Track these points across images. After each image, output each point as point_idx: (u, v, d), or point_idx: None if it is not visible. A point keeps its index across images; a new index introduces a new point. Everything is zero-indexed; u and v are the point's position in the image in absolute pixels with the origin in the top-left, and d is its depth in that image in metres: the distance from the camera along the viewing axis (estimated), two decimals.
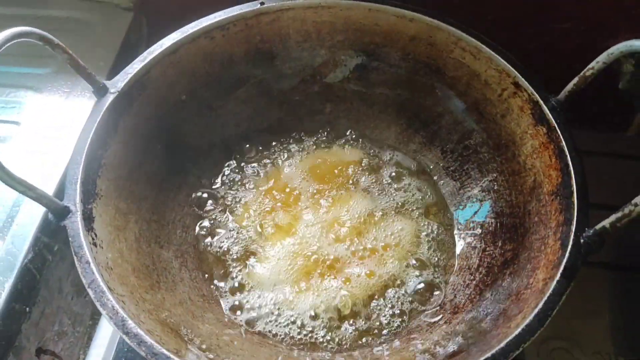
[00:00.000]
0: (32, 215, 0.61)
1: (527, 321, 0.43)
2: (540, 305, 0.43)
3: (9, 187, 0.43)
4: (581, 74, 0.51)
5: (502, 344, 0.41)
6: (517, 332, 0.42)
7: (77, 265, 0.45)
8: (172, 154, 0.62)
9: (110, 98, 0.54)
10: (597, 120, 0.78)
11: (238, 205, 0.64)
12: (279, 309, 0.56)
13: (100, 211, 0.50)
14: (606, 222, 0.44)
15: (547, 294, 0.44)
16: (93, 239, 0.47)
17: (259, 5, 0.61)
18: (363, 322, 0.56)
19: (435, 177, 0.66)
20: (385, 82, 0.66)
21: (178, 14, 0.63)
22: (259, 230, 0.61)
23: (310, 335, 0.55)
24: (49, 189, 0.61)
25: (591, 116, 0.75)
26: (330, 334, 0.55)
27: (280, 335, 0.55)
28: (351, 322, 0.56)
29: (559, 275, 0.44)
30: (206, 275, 0.59)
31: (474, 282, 0.55)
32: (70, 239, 0.46)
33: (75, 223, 0.47)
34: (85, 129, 0.52)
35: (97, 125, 0.52)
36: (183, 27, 0.60)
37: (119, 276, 0.48)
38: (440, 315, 0.54)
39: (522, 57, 0.58)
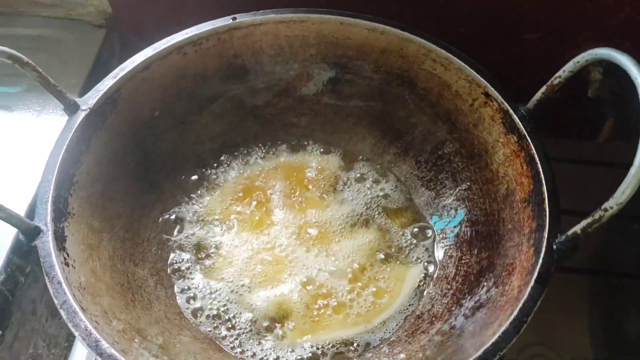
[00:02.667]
0: (2, 236, 0.60)
1: (503, 328, 0.43)
2: (515, 312, 0.43)
3: None
4: (548, 82, 0.52)
5: (479, 352, 0.42)
6: (493, 339, 0.42)
7: (48, 286, 0.44)
8: (146, 170, 0.61)
9: (81, 115, 0.54)
10: (568, 128, 0.79)
11: (214, 221, 0.63)
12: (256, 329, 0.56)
13: (72, 230, 0.50)
14: (577, 228, 0.44)
15: (522, 301, 0.44)
16: (65, 258, 0.47)
17: (231, 20, 0.62)
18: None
19: (410, 187, 0.66)
20: (358, 94, 0.66)
21: (151, 31, 0.63)
22: (237, 245, 0.61)
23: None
24: (21, 209, 0.60)
25: (562, 124, 0.76)
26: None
27: (258, 355, 0.54)
28: None
29: (532, 281, 0.45)
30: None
31: (451, 291, 0.55)
32: (41, 259, 0.45)
33: (47, 243, 0.46)
34: (56, 147, 0.52)
35: (69, 143, 0.52)
36: (155, 43, 0.60)
37: (92, 296, 0.47)
38: (419, 326, 0.54)
39: (493, 68, 0.59)
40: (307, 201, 0.65)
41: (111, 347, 0.41)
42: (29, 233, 0.46)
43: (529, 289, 0.44)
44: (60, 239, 0.47)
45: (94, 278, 0.49)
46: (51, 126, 0.69)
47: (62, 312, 0.43)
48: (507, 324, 0.43)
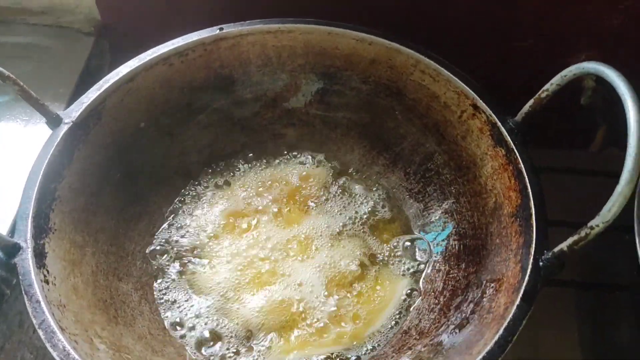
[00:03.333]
0: None
1: (487, 348, 0.42)
2: (500, 331, 0.43)
3: None
4: (536, 95, 0.52)
5: None
6: (478, 359, 0.42)
7: (27, 305, 0.43)
8: (132, 183, 0.61)
9: (64, 129, 0.53)
10: (560, 137, 0.79)
11: (200, 233, 0.63)
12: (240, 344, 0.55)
13: (53, 246, 0.49)
14: (564, 245, 0.44)
15: (508, 319, 0.43)
16: (45, 276, 0.46)
17: (218, 30, 0.61)
18: None
19: (398, 199, 0.65)
20: (347, 105, 0.66)
21: (141, 39, 0.62)
22: (222, 258, 0.60)
23: None
24: (5, 224, 0.59)
25: (554, 132, 0.76)
26: None
27: None
28: None
29: (519, 299, 0.44)
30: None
31: (439, 306, 0.55)
32: (20, 277, 0.45)
33: (26, 260, 0.45)
34: (37, 162, 0.51)
35: (50, 158, 0.51)
36: (141, 54, 0.60)
37: (72, 313, 0.46)
38: (406, 341, 0.54)
39: (483, 76, 0.58)
40: (295, 212, 0.64)
41: None
42: (8, 250, 0.46)
43: (514, 307, 0.44)
44: (40, 256, 0.47)
45: (75, 295, 0.48)
46: (38, 137, 0.68)
47: (40, 332, 0.42)
48: (492, 343, 0.42)
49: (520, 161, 0.51)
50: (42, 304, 0.43)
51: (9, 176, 0.64)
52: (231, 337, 0.55)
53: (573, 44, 0.72)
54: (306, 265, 0.60)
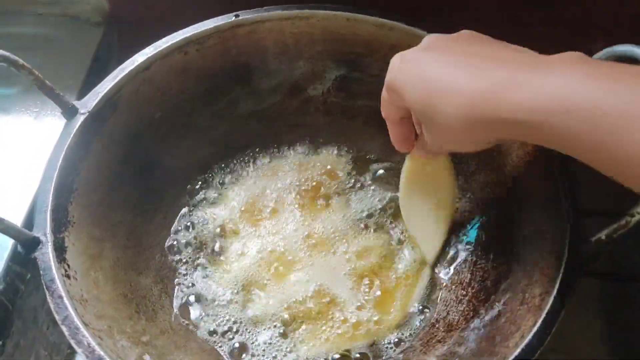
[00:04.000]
0: (1, 244, 0.58)
1: (526, 340, 0.41)
2: (539, 323, 0.41)
3: None
4: None
5: None
6: (516, 352, 0.41)
7: (49, 301, 0.42)
8: (148, 175, 0.59)
9: (80, 119, 0.52)
10: None
11: (218, 225, 0.61)
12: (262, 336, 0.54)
13: (72, 240, 0.48)
14: (602, 234, 0.42)
15: (545, 311, 0.42)
16: (66, 270, 0.45)
17: (234, 17, 0.59)
18: None
19: None
20: (367, 93, 0.64)
21: (150, 29, 0.60)
22: (242, 250, 0.59)
23: None
24: (19, 217, 0.58)
25: None
26: None
27: None
28: None
29: (555, 290, 0.43)
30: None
31: (467, 297, 0.53)
32: (41, 272, 0.43)
33: (46, 255, 0.44)
34: (54, 154, 0.50)
35: (67, 149, 0.50)
36: (156, 42, 0.58)
37: (95, 309, 0.45)
38: (435, 334, 0.52)
39: None
40: (314, 204, 0.63)
41: None
42: (27, 244, 0.44)
43: (551, 298, 0.43)
44: (60, 250, 0.45)
45: (96, 290, 0.47)
46: (50, 129, 0.67)
47: (64, 329, 0.41)
48: (530, 335, 0.41)
49: None
50: (65, 299, 0.42)
51: (21, 169, 0.63)
52: (251, 329, 0.54)
53: (590, 32, 0.70)
54: (329, 257, 0.58)
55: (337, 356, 0.53)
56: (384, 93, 0.45)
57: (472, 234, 0.58)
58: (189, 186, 0.64)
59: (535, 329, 0.41)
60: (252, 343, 0.54)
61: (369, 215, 0.62)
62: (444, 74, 0.38)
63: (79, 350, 0.40)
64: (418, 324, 0.54)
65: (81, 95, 0.54)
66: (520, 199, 0.53)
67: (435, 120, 0.38)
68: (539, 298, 0.44)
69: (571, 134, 0.31)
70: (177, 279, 0.58)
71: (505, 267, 0.52)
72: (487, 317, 0.49)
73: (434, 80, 0.38)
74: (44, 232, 0.45)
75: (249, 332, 0.54)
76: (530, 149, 0.52)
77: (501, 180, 0.56)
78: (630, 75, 0.30)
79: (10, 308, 0.57)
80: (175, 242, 0.60)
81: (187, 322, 0.54)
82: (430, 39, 0.43)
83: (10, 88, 0.73)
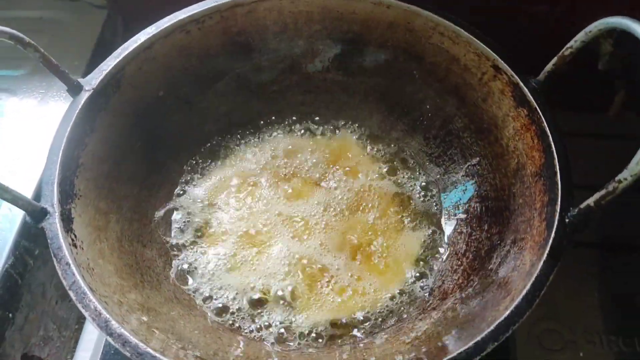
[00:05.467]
0: (10, 219, 0.60)
1: (515, 303, 0.42)
2: (527, 287, 0.43)
3: None
4: (560, 53, 0.51)
5: (492, 327, 0.41)
6: (506, 314, 0.42)
7: (57, 267, 0.44)
8: (152, 151, 0.61)
9: (85, 96, 0.53)
10: (578, 101, 0.78)
11: (219, 201, 0.63)
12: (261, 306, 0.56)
13: (79, 211, 0.49)
14: (590, 201, 0.44)
15: (535, 275, 0.43)
16: (73, 240, 0.46)
17: None
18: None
19: (419, 164, 0.65)
20: (365, 70, 0.65)
21: (153, 10, 0.61)
22: (243, 229, 0.61)
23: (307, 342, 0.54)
24: (28, 191, 0.60)
25: (572, 97, 0.75)
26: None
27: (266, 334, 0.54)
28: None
29: (545, 255, 0.44)
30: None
31: (462, 267, 0.55)
32: (48, 240, 0.45)
33: (54, 224, 0.45)
34: (60, 129, 0.51)
35: (73, 124, 0.51)
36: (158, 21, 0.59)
37: (100, 277, 0.47)
38: (429, 302, 0.54)
39: (501, 42, 0.57)
40: (310, 179, 0.64)
41: (121, 326, 0.41)
42: (35, 215, 0.46)
43: (541, 263, 0.44)
44: (67, 221, 0.47)
45: (102, 259, 0.49)
46: (55, 109, 0.69)
47: (71, 293, 0.42)
48: (519, 298, 0.42)
49: (544, 120, 0.51)
50: (72, 266, 0.43)
51: (28, 147, 0.65)
52: (250, 299, 0.56)
53: (590, 8, 0.70)
54: (323, 228, 0.60)
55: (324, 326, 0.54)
56: None
57: (466, 205, 0.59)
58: (190, 162, 0.65)
59: (524, 292, 0.43)
60: (253, 315, 0.55)
61: (364, 190, 0.63)
62: None
63: (85, 313, 0.41)
64: (416, 293, 0.56)
65: (86, 75, 0.55)
66: (515, 170, 0.54)
67: None
68: (530, 264, 0.45)
69: None
70: (177, 252, 0.59)
71: (498, 237, 0.53)
72: (480, 285, 0.51)
73: None
74: (51, 203, 0.47)
75: (248, 302, 0.56)
76: (525, 122, 0.53)
77: (497, 153, 0.57)
78: None
79: (20, 282, 0.59)
80: (178, 217, 0.61)
81: (189, 292, 0.56)
82: None
83: (17, 70, 0.75)
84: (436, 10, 0.59)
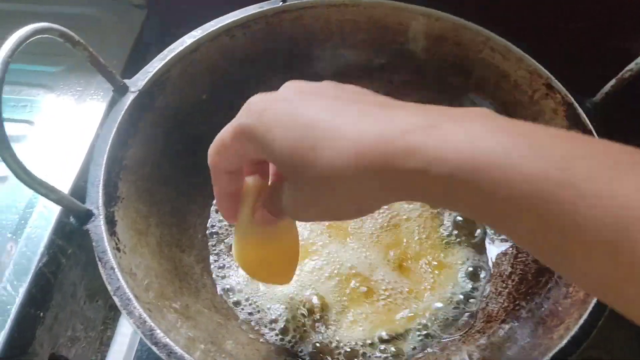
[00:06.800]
0: (46, 217, 0.59)
1: (571, 333, 0.41)
2: (585, 316, 0.41)
3: (26, 189, 0.42)
4: (619, 75, 0.50)
5: (547, 357, 0.40)
6: (562, 344, 0.41)
7: (101, 272, 0.43)
8: (193, 155, 0.59)
9: (130, 97, 0.53)
10: (633, 122, 0.76)
11: None
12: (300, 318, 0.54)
13: (121, 214, 0.48)
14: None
15: (591, 304, 0.42)
16: (116, 243, 0.46)
17: (281, 3, 0.60)
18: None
19: None
20: (409, 83, 0.64)
21: (191, 12, 0.61)
22: None
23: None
24: (64, 190, 0.59)
25: (630, 120, 0.73)
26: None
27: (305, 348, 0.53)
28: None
29: None
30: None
31: (507, 290, 0.53)
32: (93, 243, 0.44)
33: (99, 227, 0.45)
34: (105, 130, 0.51)
35: (118, 126, 0.51)
36: (195, 25, 0.59)
37: (143, 282, 0.46)
38: (472, 325, 0.52)
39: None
40: None
41: (166, 336, 0.40)
42: (80, 216, 0.45)
43: None
44: (111, 224, 0.46)
45: (143, 264, 0.48)
46: (92, 107, 0.69)
47: (116, 299, 0.42)
48: (576, 328, 0.41)
49: None
50: (117, 270, 0.43)
51: (64, 145, 0.64)
52: (289, 310, 0.55)
53: (627, 28, 0.69)
54: (365, 242, 0.59)
55: (369, 342, 0.53)
56: (225, 139, 0.37)
57: None
58: None
59: (581, 322, 0.41)
60: (291, 326, 0.54)
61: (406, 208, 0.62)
62: (324, 117, 0.30)
63: (130, 321, 0.41)
64: (455, 315, 0.54)
65: (124, 75, 0.55)
66: None
67: (309, 173, 0.30)
68: (584, 292, 0.44)
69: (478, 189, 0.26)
70: (216, 258, 0.58)
71: None
72: (528, 310, 0.49)
73: (312, 123, 0.30)
74: (96, 205, 0.46)
75: (286, 313, 0.55)
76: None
77: None
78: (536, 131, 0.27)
79: (52, 281, 0.58)
80: (215, 224, 0.60)
81: (229, 302, 0.55)
82: (294, 83, 0.36)
83: (55, 66, 0.74)
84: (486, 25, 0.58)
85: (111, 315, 0.69)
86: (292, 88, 0.35)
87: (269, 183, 0.41)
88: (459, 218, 0.60)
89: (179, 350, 0.39)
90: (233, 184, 0.40)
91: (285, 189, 0.35)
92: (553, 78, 0.54)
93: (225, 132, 0.36)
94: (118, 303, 0.41)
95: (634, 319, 0.24)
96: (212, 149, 0.38)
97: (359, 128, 0.29)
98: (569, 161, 0.24)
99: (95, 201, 0.46)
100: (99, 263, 0.43)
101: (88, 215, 0.45)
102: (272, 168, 0.41)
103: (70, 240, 0.60)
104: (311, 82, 0.36)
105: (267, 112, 0.33)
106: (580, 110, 0.52)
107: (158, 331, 0.40)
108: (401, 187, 0.28)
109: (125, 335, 0.62)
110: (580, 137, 0.26)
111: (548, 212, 0.24)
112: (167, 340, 0.40)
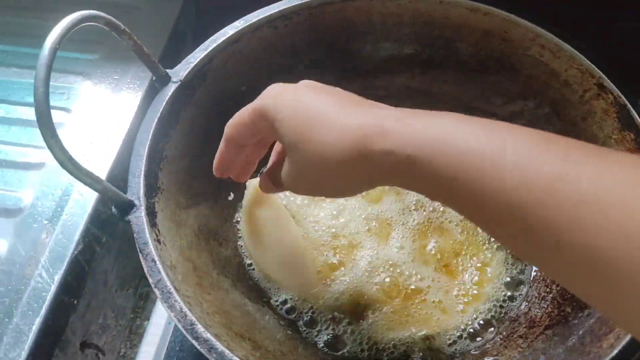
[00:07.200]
0: (82, 205, 0.59)
1: (623, 342, 0.39)
2: None
3: (62, 176, 0.41)
4: None
5: None
6: (614, 352, 0.39)
7: (143, 264, 0.42)
8: None
9: (172, 88, 0.52)
10: None
11: (295, 201, 0.61)
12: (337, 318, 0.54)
13: (162, 206, 0.48)
14: None
15: None
16: (157, 235, 0.45)
17: None
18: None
19: None
20: (452, 79, 0.63)
21: (226, 2, 0.60)
22: (323, 229, 0.59)
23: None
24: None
25: None
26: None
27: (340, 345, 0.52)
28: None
29: None
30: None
31: (551, 295, 0.52)
32: (135, 235, 0.44)
33: (140, 218, 0.44)
34: (147, 120, 0.50)
35: (160, 116, 0.50)
36: (230, 14, 0.58)
37: (182, 275, 0.45)
38: (515, 329, 0.51)
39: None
40: (390, 190, 0.62)
41: (207, 330, 0.40)
42: (122, 207, 0.45)
43: None
44: (151, 215, 0.46)
45: (182, 257, 0.48)
46: (128, 96, 0.68)
47: (157, 292, 0.41)
48: (628, 337, 0.40)
49: None
50: (158, 263, 0.42)
51: (102, 133, 0.64)
52: (327, 309, 0.54)
53: None
54: (407, 240, 0.58)
55: (409, 341, 0.52)
56: (244, 116, 0.42)
57: None
58: (267, 160, 0.63)
59: None
60: (329, 325, 0.53)
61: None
62: (324, 108, 0.37)
63: (171, 314, 0.40)
64: (497, 319, 0.53)
65: (161, 64, 0.54)
66: None
67: (309, 151, 0.36)
68: None
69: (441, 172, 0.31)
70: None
71: None
72: (574, 317, 0.48)
73: (317, 110, 0.37)
74: (138, 196, 0.45)
75: (324, 311, 0.54)
76: (631, 146, 0.50)
77: None
78: (506, 127, 0.32)
79: (86, 269, 0.58)
80: None
81: (265, 297, 0.54)
82: (308, 81, 0.43)
83: (92, 54, 0.74)
84: (537, 21, 0.56)
85: (140, 304, 0.69)
86: (305, 83, 0.42)
87: (274, 161, 0.48)
88: None
89: (220, 346, 0.39)
90: (238, 156, 0.46)
91: (285, 164, 0.40)
92: (606, 78, 0.52)
93: (245, 110, 0.42)
94: (159, 296, 0.41)
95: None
96: (231, 122, 0.44)
97: (347, 117, 0.35)
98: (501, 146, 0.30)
99: (137, 192, 0.46)
100: (140, 255, 0.43)
101: (130, 206, 0.45)
102: (277, 147, 0.48)
103: (104, 228, 0.60)
104: (322, 84, 0.42)
105: (280, 96, 0.39)
106: (633, 112, 0.50)
107: (199, 326, 0.40)
108: (375, 168, 0.34)
109: (158, 326, 0.62)
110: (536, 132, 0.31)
111: (472, 182, 0.30)
112: (208, 335, 0.39)
